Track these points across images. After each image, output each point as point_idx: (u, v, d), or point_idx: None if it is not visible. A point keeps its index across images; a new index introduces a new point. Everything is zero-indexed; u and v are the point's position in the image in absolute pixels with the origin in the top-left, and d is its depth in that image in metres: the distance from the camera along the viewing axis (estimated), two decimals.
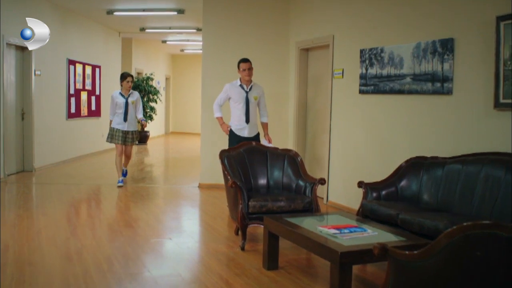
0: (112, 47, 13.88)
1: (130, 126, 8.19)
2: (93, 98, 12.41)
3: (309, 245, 3.81)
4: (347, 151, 6.83)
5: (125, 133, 8.17)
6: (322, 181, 5.21)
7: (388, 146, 6.02)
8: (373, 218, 4.74)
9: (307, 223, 4.31)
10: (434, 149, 5.24)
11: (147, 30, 13.21)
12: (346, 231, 3.89)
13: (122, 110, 8.07)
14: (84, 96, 11.87)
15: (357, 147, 6.61)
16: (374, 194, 5.04)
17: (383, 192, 5.05)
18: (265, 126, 6.69)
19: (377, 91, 6.17)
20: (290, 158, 5.57)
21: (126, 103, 8.08)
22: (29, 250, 4.69)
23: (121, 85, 8.16)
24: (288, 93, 8.40)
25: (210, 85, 8.23)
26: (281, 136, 8.32)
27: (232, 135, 6.56)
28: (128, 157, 8.43)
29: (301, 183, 5.32)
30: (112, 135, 8.21)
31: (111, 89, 13.55)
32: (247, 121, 6.45)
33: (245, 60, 6.45)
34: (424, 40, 5.41)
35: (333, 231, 3.86)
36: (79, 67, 11.48)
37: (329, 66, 7.20)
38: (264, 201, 4.91)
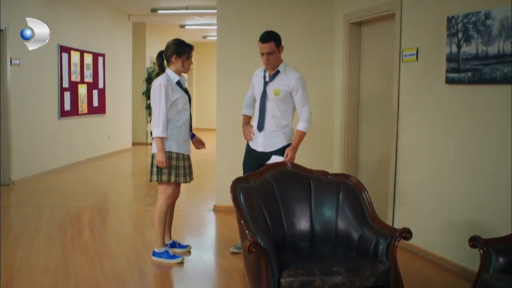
0: (120, 32, 11.87)
1: (190, 144, 4.60)
2: (95, 92, 10.43)
3: None
4: (425, 173, 4.63)
5: (189, 159, 4.56)
6: (407, 235, 3.05)
7: (503, 169, 3.80)
8: None
9: None
10: None
11: (159, 11, 11.16)
12: None
13: (187, 114, 4.46)
14: (82, 90, 9.90)
15: (443, 167, 4.40)
16: (501, 260, 2.90)
17: None
18: (296, 136, 4.31)
19: (479, 79, 3.96)
20: (348, 190, 3.42)
21: (189, 99, 4.52)
22: None
23: (171, 63, 4.40)
24: (332, 86, 6.22)
25: (227, 78, 6.18)
26: (322, 149, 6.18)
27: (246, 149, 4.53)
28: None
29: (368, 234, 3.17)
30: (175, 168, 4.33)
31: (118, 82, 11.58)
32: (260, 127, 4.38)
33: (261, 39, 4.29)
34: None
35: None
36: (75, 55, 9.50)
37: (395, 45, 5.00)
38: (307, 275, 2.78)
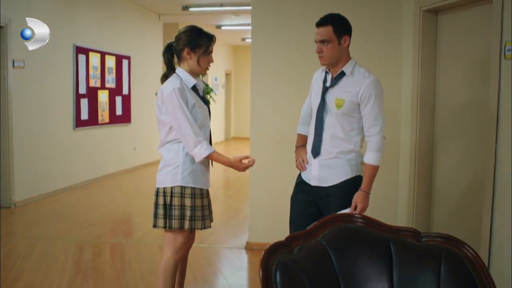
0: (150, 33, 10.79)
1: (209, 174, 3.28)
2: (118, 99, 9.35)
3: None
4: None
5: (208, 195, 3.25)
6: None
7: None
8: None
9: None
10: None
11: (191, 9, 10.03)
12: None
13: (207, 132, 3.17)
14: (103, 96, 8.82)
15: None
16: None
17: None
18: (365, 173, 3.00)
19: None
20: (456, 265, 2.06)
21: (209, 110, 3.26)
22: None
23: (183, 60, 3.12)
24: (399, 92, 4.85)
25: (263, 86, 4.95)
26: (383, 177, 4.49)
27: (297, 179, 3.23)
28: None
29: None
30: (190, 209, 3.05)
31: (146, 87, 10.45)
32: (315, 151, 3.05)
33: (317, 23, 3.01)
34: None
35: None
36: (94, 58, 8.43)
37: (494, 36, 3.60)
38: None
